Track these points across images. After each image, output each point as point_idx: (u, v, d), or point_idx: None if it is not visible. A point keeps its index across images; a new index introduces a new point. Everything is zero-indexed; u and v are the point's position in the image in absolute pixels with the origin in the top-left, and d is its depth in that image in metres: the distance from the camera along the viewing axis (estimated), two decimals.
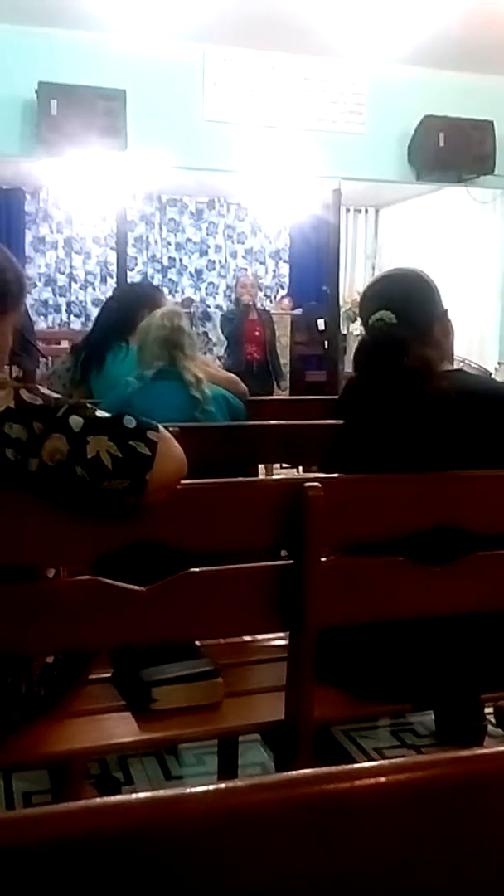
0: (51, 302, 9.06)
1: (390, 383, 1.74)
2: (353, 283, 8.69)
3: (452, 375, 1.80)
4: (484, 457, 1.67)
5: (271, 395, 6.34)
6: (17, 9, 5.04)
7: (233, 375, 2.85)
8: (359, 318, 8.33)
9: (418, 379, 1.72)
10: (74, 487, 1.32)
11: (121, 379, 2.59)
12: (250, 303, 6.80)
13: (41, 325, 8.71)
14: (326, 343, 7.53)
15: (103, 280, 8.97)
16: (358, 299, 8.11)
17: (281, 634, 1.65)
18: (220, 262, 9.46)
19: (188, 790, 0.56)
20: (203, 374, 2.49)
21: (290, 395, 7.16)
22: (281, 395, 6.70)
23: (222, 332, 7.32)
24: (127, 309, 3.08)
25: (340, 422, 1.93)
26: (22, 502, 1.40)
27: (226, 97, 5.77)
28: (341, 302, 7.42)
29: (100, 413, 1.36)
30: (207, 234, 9.38)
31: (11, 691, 1.47)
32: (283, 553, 1.60)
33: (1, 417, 1.31)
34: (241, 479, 1.76)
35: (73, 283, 9.11)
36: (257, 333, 6.81)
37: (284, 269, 9.54)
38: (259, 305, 7.22)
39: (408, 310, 1.80)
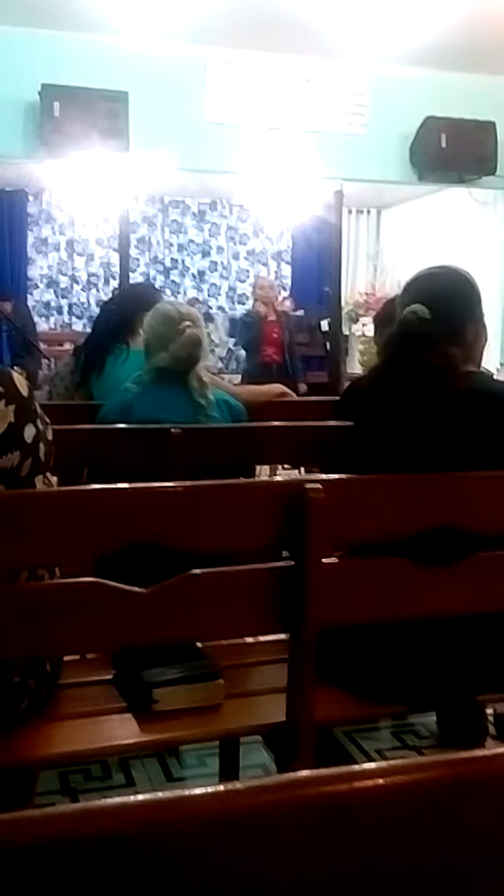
0: (53, 303, 9.07)
1: (411, 377, 1.74)
2: (354, 285, 8.69)
3: (473, 376, 1.79)
4: (496, 458, 1.67)
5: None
6: (20, 11, 5.04)
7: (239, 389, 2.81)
8: (361, 319, 8.22)
9: (438, 375, 1.71)
10: None
11: (121, 382, 2.58)
12: (269, 303, 6.78)
13: (43, 326, 8.73)
14: (328, 344, 7.52)
15: (106, 282, 8.98)
16: (359, 301, 8.04)
17: (282, 636, 1.65)
18: (222, 263, 9.47)
19: (188, 792, 0.56)
20: (207, 378, 2.45)
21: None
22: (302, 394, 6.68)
23: (240, 338, 7.31)
24: (125, 311, 3.07)
25: (342, 423, 1.93)
26: (22, 503, 1.41)
27: (228, 99, 5.77)
28: (343, 303, 7.41)
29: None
30: (210, 236, 9.39)
31: (19, 689, 1.48)
32: (285, 554, 1.60)
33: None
34: (242, 480, 1.76)
35: (75, 285, 9.12)
36: (276, 335, 6.80)
37: (286, 270, 9.54)
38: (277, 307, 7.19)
39: (444, 307, 1.79)
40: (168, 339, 2.40)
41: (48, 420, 1.53)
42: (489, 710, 2.33)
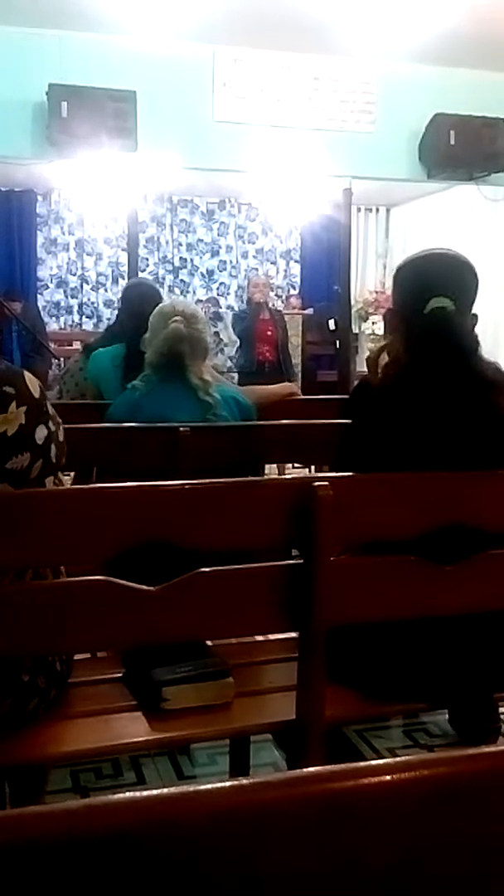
0: (63, 304, 9.10)
1: (453, 377, 1.69)
2: (364, 283, 8.69)
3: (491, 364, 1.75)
4: None
5: None
6: (27, 11, 5.06)
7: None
8: (370, 317, 8.16)
9: (481, 377, 1.67)
10: None
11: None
12: (262, 301, 6.80)
13: (53, 326, 8.76)
14: (338, 343, 7.52)
15: (115, 281, 9.00)
16: (369, 299, 8.00)
17: (292, 634, 1.65)
18: (231, 262, 9.48)
19: (194, 787, 0.56)
20: (210, 376, 2.44)
21: (302, 394, 7.16)
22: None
23: (234, 332, 7.32)
24: (136, 314, 3.02)
25: (349, 421, 1.92)
26: (32, 502, 1.41)
27: (236, 97, 5.77)
28: (353, 301, 7.41)
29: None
30: (218, 235, 9.40)
31: (28, 688, 1.48)
32: (295, 552, 1.60)
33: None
34: (251, 478, 1.75)
35: (84, 285, 9.15)
36: (269, 333, 6.82)
37: (295, 268, 9.54)
38: (271, 305, 7.21)
39: (462, 298, 1.73)
40: (157, 336, 2.40)
41: (60, 420, 1.53)
42: (501, 709, 2.32)
